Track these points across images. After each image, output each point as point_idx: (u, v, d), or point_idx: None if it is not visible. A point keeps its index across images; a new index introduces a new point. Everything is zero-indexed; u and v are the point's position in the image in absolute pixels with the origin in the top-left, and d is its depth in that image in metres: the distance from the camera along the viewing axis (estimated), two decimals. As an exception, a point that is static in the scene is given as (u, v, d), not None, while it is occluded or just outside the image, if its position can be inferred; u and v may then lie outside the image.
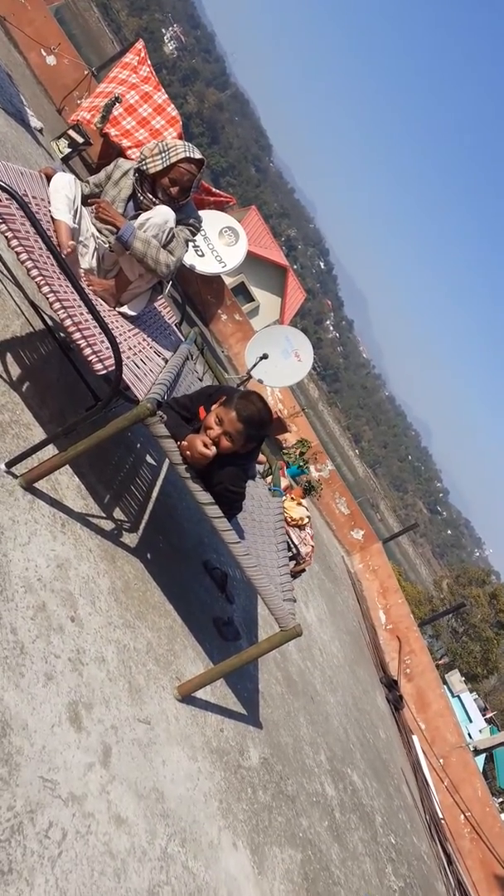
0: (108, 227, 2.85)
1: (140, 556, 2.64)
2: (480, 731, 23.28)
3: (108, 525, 2.53)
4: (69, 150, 5.75)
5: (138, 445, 3.42)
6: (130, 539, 2.66)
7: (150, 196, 2.93)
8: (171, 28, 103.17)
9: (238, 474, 2.45)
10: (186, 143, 2.93)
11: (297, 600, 3.52)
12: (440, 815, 6.52)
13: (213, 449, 2.26)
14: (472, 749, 9.82)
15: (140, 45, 6.74)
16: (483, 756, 16.02)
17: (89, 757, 1.70)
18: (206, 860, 1.98)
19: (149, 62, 6.54)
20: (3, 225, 1.99)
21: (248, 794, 2.51)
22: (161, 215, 2.86)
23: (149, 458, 3.46)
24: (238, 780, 2.48)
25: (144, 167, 2.89)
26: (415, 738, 7.48)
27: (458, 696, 24.44)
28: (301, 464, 8.70)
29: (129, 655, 2.17)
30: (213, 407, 2.47)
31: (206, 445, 2.25)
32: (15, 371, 2.46)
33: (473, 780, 7.71)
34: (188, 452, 2.26)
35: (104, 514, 2.55)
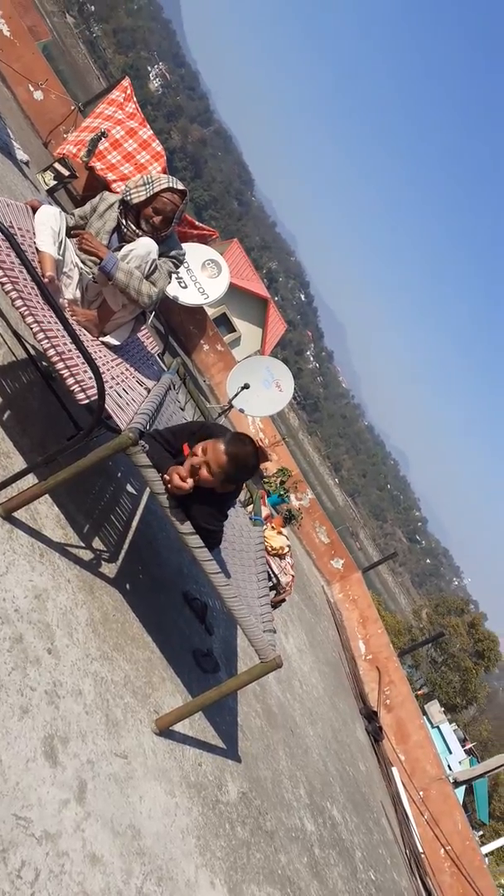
0: (92, 258, 2.89)
1: (119, 587, 2.63)
2: (460, 762, 23.08)
3: (87, 555, 2.52)
4: (55, 182, 5.83)
5: (119, 475, 3.42)
6: (109, 569, 2.65)
7: (134, 227, 2.98)
8: (156, 66, 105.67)
9: (212, 513, 2.45)
10: (170, 176, 3.01)
11: (276, 631, 3.50)
12: (420, 850, 6.42)
13: (190, 482, 2.25)
14: (452, 781, 9.73)
15: (126, 82, 6.90)
16: (463, 788, 15.85)
17: (64, 793, 1.67)
18: (182, 900, 1.94)
19: (134, 99, 6.69)
20: (-11, 256, 2.01)
21: (226, 829, 2.47)
22: (144, 247, 2.91)
23: (129, 488, 3.46)
24: (216, 816, 2.44)
25: (129, 198, 2.95)
26: (394, 770, 7.39)
27: (438, 727, 24.25)
28: (282, 493, 8.72)
29: (107, 688, 2.14)
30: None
31: (182, 478, 2.24)
32: (-4, 400, 2.46)
33: (454, 812, 7.61)
34: (169, 486, 2.26)
35: (83, 544, 2.53)
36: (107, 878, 1.67)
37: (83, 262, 2.90)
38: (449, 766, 19.58)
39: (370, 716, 7.70)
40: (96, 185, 6.68)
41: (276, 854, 2.83)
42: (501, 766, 12.74)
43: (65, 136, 7.04)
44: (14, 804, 1.49)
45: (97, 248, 2.83)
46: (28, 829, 1.49)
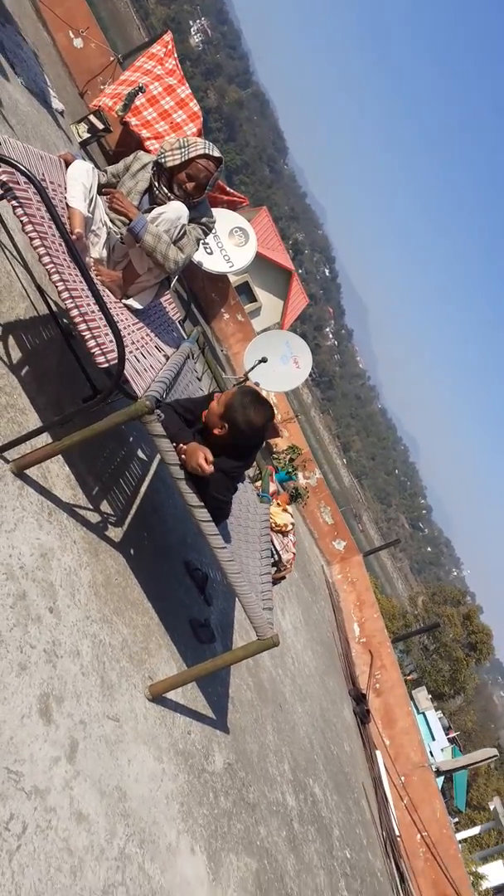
0: (121, 217, 2.84)
1: (123, 551, 2.63)
2: (442, 749, 23.42)
3: (94, 517, 2.52)
4: (88, 135, 5.71)
5: (131, 439, 3.41)
6: (115, 533, 2.65)
7: (166, 191, 2.92)
8: (198, 21, 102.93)
9: (226, 483, 2.46)
10: (207, 141, 2.93)
11: (274, 608, 3.52)
12: (397, 833, 6.55)
13: (211, 468, 2.25)
14: (434, 770, 9.87)
15: (168, 37, 6.72)
16: (442, 776, 16.09)
17: (56, 751, 1.69)
18: (162, 863, 1.97)
19: (175, 55, 6.52)
20: (20, 209, 1.97)
21: (209, 798, 2.50)
22: (174, 211, 2.85)
23: (140, 453, 3.45)
24: (201, 785, 2.48)
25: (163, 160, 2.88)
26: (378, 753, 7.50)
27: (424, 713, 24.56)
28: (290, 470, 8.71)
29: (104, 651, 2.15)
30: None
31: (206, 461, 2.24)
32: (16, 354, 2.44)
33: (433, 800, 7.74)
34: (184, 457, 2.25)
35: (91, 506, 2.53)
36: (91, 836, 1.69)
37: (112, 222, 2.85)
38: (431, 752, 19.88)
39: (359, 698, 7.78)
40: (130, 140, 6.55)
41: (257, 826, 2.88)
42: (484, 760, 12.91)
43: (101, 87, 6.88)
44: (7, 758, 1.51)
45: (127, 209, 2.77)
46: (19, 784, 1.51)
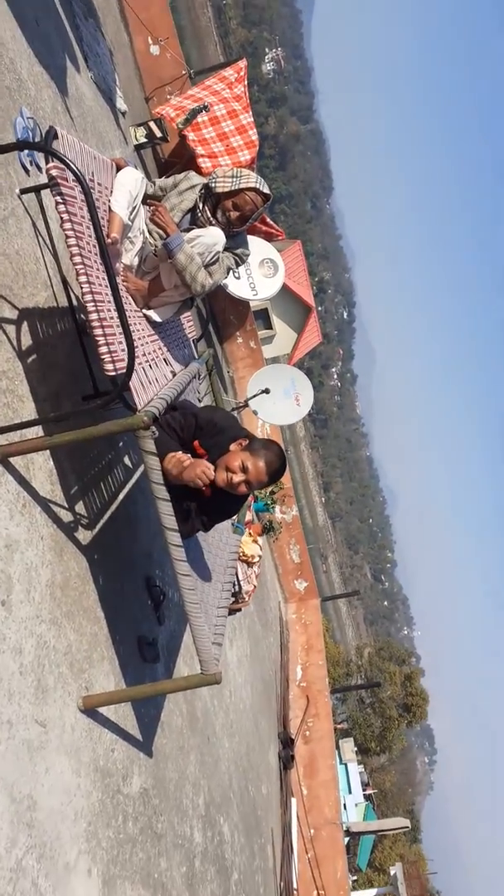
0: (160, 231, 2.88)
1: (88, 556, 2.62)
2: (356, 804, 23.22)
3: (67, 516, 2.51)
4: (145, 140, 5.79)
5: (120, 444, 3.41)
6: (84, 536, 2.64)
7: (209, 215, 2.96)
8: (274, 50, 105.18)
9: (221, 517, 2.53)
10: (259, 177, 2.99)
11: (223, 643, 3.50)
12: (294, 886, 6.44)
13: (207, 483, 2.31)
14: (345, 829, 9.75)
15: (242, 63, 6.86)
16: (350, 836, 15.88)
17: (-24, 748, 1.66)
18: (56, 881, 1.93)
19: (245, 82, 6.65)
20: (62, 206, 2.00)
21: (118, 821, 2.46)
22: (212, 236, 2.89)
23: (127, 460, 3.45)
24: (113, 806, 2.44)
25: (213, 184, 2.93)
26: (294, 801, 7.40)
27: (346, 764, 24.37)
28: (269, 502, 8.71)
29: (47, 653, 2.13)
30: (234, 447, 2.49)
31: (209, 479, 2.30)
32: (26, 341, 2.45)
33: (337, 859, 7.63)
34: (185, 464, 2.29)
35: (66, 505, 2.52)
36: (-8, 842, 1.66)
37: (150, 233, 2.88)
38: (345, 805, 19.65)
39: (287, 742, 7.71)
40: (183, 153, 6.64)
41: (158, 857, 2.83)
42: (395, 829, 12.77)
43: (168, 97, 7.00)
44: None
45: (167, 224, 2.81)
46: None
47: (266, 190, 2.98)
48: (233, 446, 2.50)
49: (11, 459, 2.14)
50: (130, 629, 2.98)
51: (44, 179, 2.83)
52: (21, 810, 1.82)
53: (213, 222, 2.93)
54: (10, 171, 2.62)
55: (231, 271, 3.03)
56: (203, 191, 2.97)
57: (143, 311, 2.98)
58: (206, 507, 2.58)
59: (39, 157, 2.87)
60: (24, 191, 2.65)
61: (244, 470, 2.41)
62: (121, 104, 5.25)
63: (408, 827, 15.25)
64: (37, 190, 2.72)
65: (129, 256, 2.86)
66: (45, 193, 2.78)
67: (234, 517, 2.98)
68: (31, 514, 2.22)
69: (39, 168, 2.87)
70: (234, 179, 2.91)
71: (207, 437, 2.58)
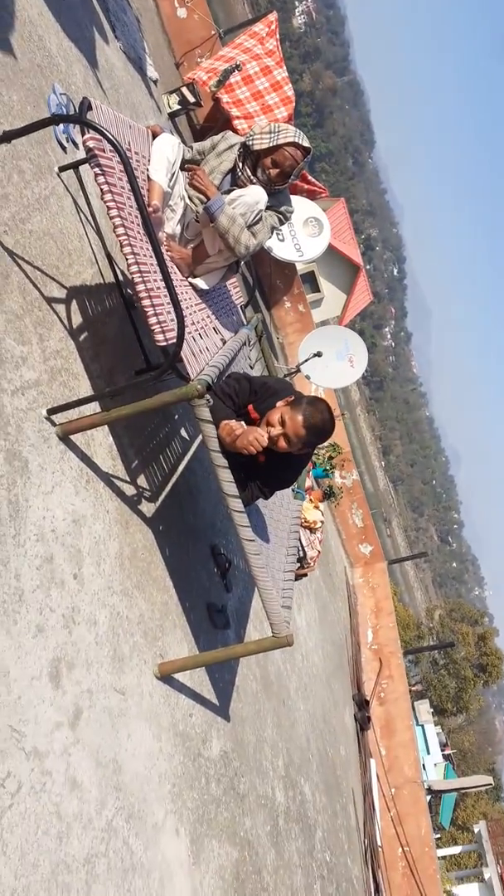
0: (200, 195, 2.82)
1: (153, 527, 2.65)
2: (436, 765, 23.28)
3: (130, 490, 2.54)
4: (178, 106, 5.69)
5: (176, 417, 3.42)
6: (147, 508, 2.67)
7: (249, 174, 2.88)
8: (304, 2, 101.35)
9: (279, 484, 2.50)
10: (298, 130, 2.88)
11: (292, 606, 3.51)
12: (379, 843, 6.53)
13: (260, 450, 2.28)
14: (426, 787, 9.80)
15: (273, 17, 6.62)
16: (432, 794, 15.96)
17: (60, 716, 1.72)
18: (146, 840, 2.00)
19: (277, 36, 6.43)
20: (102, 177, 1.97)
21: (201, 783, 2.53)
22: (253, 195, 2.81)
23: (183, 432, 3.46)
24: (195, 768, 2.50)
25: (251, 143, 2.84)
26: (373, 761, 7.47)
27: (423, 726, 24.40)
28: (328, 468, 8.63)
29: (120, 623, 2.18)
30: (280, 404, 2.46)
31: (261, 444, 2.26)
32: (76, 319, 2.46)
33: (420, 817, 7.68)
34: (238, 432, 2.27)
35: (128, 479, 2.55)
36: (82, 804, 1.72)
37: (190, 199, 2.83)
38: (424, 766, 19.75)
39: (362, 703, 7.75)
40: (219, 117, 6.50)
41: (243, 817, 2.89)
42: (478, 786, 12.74)
43: (199, 61, 6.83)
44: (12, 716, 1.54)
45: (207, 187, 2.75)
46: (20, 743, 1.54)
47: (306, 143, 2.87)
48: (279, 403, 2.47)
49: (72, 437, 2.17)
50: (200, 597, 3.02)
51: (81, 155, 2.81)
52: (108, 774, 1.88)
53: (254, 181, 2.85)
54: (48, 149, 2.61)
55: (275, 230, 2.95)
56: (241, 150, 2.88)
57: (189, 279, 2.94)
58: (263, 474, 2.56)
59: (75, 133, 2.85)
60: (62, 168, 2.64)
61: (282, 424, 2.37)
62: (152, 72, 5.16)
63: (491, 784, 15.19)
64: (75, 166, 2.70)
65: (171, 225, 2.81)
66: (84, 170, 2.76)
67: (294, 483, 2.94)
68: (96, 489, 2.25)
69: (76, 144, 2.85)
70: (272, 135, 2.82)
71: (261, 400, 2.55)
